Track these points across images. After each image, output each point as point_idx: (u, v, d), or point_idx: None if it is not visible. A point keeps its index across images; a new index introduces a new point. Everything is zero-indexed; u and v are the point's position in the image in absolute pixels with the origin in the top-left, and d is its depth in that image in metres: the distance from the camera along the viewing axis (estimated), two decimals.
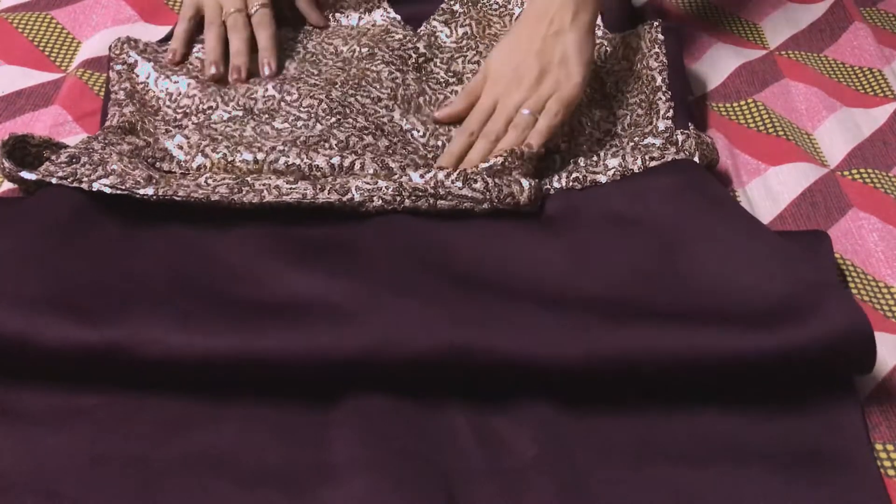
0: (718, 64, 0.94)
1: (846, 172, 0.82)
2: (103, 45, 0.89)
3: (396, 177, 0.72)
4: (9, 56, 0.88)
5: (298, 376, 0.60)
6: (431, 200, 0.71)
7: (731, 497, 0.57)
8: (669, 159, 0.75)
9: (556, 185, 0.76)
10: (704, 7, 1.02)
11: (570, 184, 0.75)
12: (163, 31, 0.92)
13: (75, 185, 0.69)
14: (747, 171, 0.82)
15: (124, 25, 0.93)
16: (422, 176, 0.72)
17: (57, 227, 0.67)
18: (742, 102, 0.89)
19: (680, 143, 0.76)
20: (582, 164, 0.77)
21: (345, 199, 0.70)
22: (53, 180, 0.70)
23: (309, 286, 0.64)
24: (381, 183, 0.71)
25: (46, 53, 0.89)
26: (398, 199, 0.71)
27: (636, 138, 0.78)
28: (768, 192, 0.80)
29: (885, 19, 1.01)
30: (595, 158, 0.76)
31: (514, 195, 0.72)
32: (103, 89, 0.85)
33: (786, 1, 1.03)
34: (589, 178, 0.75)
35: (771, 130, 0.86)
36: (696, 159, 0.75)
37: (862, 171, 0.82)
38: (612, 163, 0.76)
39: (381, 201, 0.71)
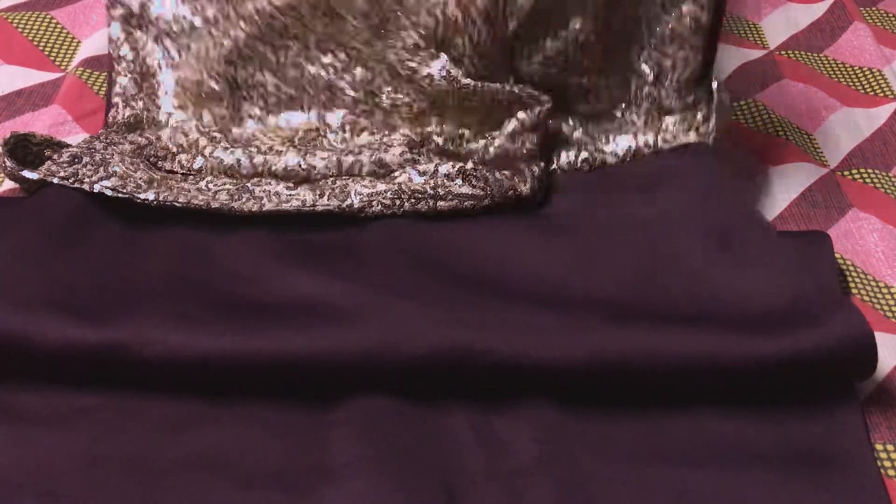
0: (718, 64, 0.93)
1: (846, 172, 0.82)
2: (103, 43, 0.89)
3: (396, 176, 0.72)
4: (8, 56, 0.88)
5: (300, 377, 0.60)
6: (431, 202, 0.71)
7: (731, 498, 0.57)
8: (682, 142, 0.74)
9: (563, 161, 0.74)
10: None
11: (580, 164, 0.74)
12: None
13: (76, 185, 0.69)
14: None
15: None
16: (421, 174, 0.71)
17: (58, 227, 0.67)
18: (742, 102, 0.89)
19: (699, 125, 0.75)
20: (590, 142, 0.75)
21: (344, 205, 0.70)
22: (55, 180, 0.69)
23: (310, 288, 0.64)
24: (381, 186, 0.71)
25: (46, 53, 0.89)
26: (398, 202, 0.71)
27: (652, 111, 0.76)
28: (768, 192, 0.80)
29: (886, 19, 1.01)
30: (604, 138, 0.75)
31: (515, 188, 0.72)
32: (103, 88, 0.84)
33: (786, 1, 1.03)
34: (598, 159, 0.74)
35: (771, 130, 0.86)
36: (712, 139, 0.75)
37: (862, 171, 0.82)
38: (623, 142, 0.74)
39: (380, 206, 0.71)
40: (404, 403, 0.60)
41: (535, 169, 0.72)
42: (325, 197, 0.70)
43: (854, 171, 0.82)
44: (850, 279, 0.73)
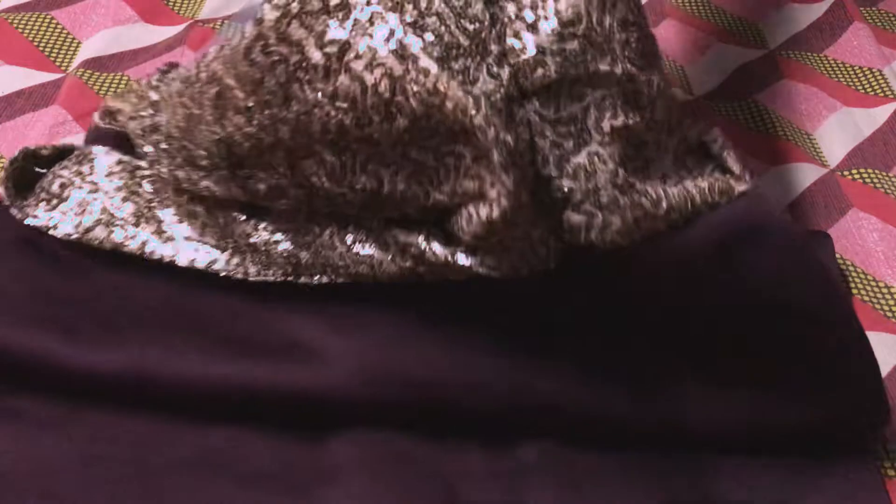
0: (718, 64, 0.93)
1: (846, 172, 0.82)
2: (103, 45, 0.89)
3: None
4: (9, 56, 0.88)
5: (286, 412, 0.59)
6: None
7: (730, 497, 0.57)
8: (736, 192, 0.57)
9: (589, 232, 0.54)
10: (704, 7, 1.02)
11: (611, 235, 0.54)
12: (162, 31, 0.92)
13: (52, 232, 0.65)
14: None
15: (124, 26, 0.93)
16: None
17: (58, 247, 0.66)
18: (742, 102, 0.89)
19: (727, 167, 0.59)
20: (634, 194, 0.54)
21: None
22: (38, 224, 0.65)
23: (305, 331, 0.61)
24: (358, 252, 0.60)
25: (46, 53, 0.89)
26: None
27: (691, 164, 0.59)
28: (769, 193, 0.80)
29: (886, 19, 1.01)
30: (652, 191, 0.54)
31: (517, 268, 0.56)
32: (103, 88, 0.84)
33: (786, 1, 1.03)
34: (646, 224, 0.54)
35: (771, 130, 0.86)
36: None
37: (862, 171, 0.82)
38: (674, 195, 0.55)
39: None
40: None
41: (542, 250, 0.56)
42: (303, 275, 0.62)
43: (854, 172, 0.82)
44: (850, 279, 0.73)
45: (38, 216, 0.66)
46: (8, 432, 0.58)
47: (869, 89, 0.92)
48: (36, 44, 0.90)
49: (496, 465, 0.58)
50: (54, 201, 0.66)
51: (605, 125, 0.54)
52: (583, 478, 0.57)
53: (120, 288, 0.65)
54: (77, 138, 0.79)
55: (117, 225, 0.64)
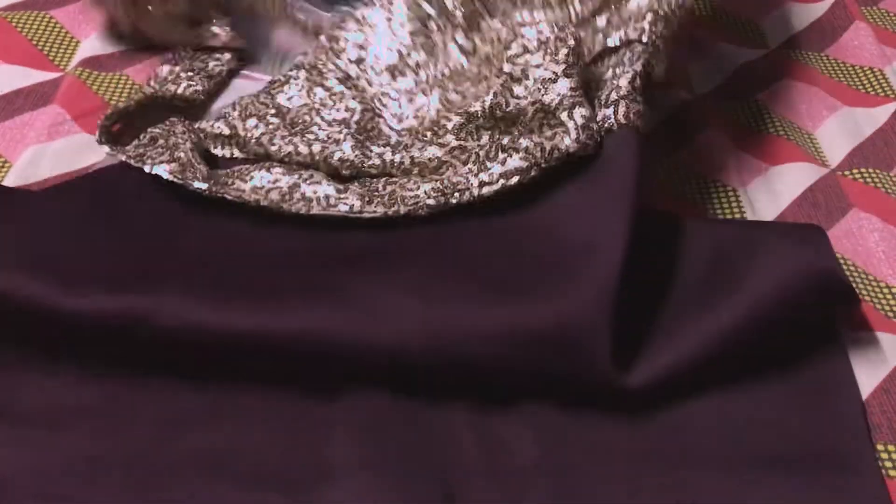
0: (719, 63, 0.93)
1: (847, 172, 0.82)
2: (102, 44, 0.89)
3: (443, 172, 0.70)
4: (7, 55, 0.88)
5: (297, 360, 0.60)
6: (476, 191, 0.67)
7: (731, 499, 0.57)
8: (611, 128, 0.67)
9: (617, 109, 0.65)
10: (705, 6, 1.02)
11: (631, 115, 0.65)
12: None
13: (139, 164, 0.70)
14: (748, 171, 0.82)
15: None
16: (463, 163, 0.69)
17: (105, 199, 0.69)
18: (743, 102, 0.89)
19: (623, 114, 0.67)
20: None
21: (390, 212, 0.68)
22: (122, 157, 0.72)
23: (333, 284, 0.63)
24: (426, 186, 0.69)
25: (45, 52, 0.89)
26: (442, 200, 0.68)
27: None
28: (769, 193, 0.80)
29: (887, 18, 1.01)
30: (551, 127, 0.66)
31: (557, 147, 0.65)
32: (102, 88, 0.84)
33: (787, 0, 1.03)
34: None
35: (772, 130, 0.86)
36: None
37: (863, 170, 0.82)
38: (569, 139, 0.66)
39: (427, 209, 0.68)
40: (404, 401, 0.60)
41: (578, 118, 0.64)
42: (373, 204, 0.69)
43: (855, 171, 0.82)
44: (851, 279, 0.72)
45: (128, 151, 0.73)
46: (7, 432, 0.58)
47: (870, 89, 0.91)
48: (34, 43, 0.90)
49: (495, 464, 0.58)
50: (145, 144, 0.74)
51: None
52: (582, 480, 0.57)
53: (158, 237, 0.67)
54: (76, 138, 0.79)
55: (191, 169, 0.70)
